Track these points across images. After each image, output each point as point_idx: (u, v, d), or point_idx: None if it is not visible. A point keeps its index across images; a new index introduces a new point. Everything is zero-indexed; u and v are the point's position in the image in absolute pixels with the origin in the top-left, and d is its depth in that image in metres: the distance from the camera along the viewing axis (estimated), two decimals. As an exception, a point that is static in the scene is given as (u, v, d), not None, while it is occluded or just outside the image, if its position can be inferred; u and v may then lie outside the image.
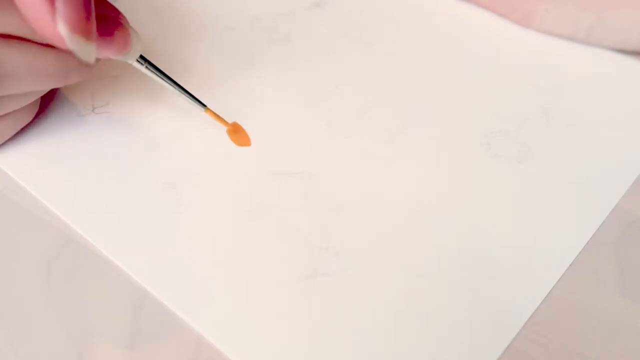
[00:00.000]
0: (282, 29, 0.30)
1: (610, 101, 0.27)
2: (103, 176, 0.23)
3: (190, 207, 0.22)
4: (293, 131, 0.25)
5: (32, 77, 0.20)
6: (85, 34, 0.19)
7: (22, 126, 0.24)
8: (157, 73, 0.23)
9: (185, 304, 0.20)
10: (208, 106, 0.24)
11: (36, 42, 0.20)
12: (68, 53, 0.20)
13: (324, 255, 0.21)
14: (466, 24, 0.31)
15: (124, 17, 0.22)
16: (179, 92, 0.24)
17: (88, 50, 0.19)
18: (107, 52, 0.21)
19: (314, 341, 0.19)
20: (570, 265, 0.21)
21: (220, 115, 0.24)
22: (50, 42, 0.19)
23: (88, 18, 0.19)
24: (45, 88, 0.22)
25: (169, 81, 0.23)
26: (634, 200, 0.23)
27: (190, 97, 0.24)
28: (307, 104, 0.26)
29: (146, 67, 0.23)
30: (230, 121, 0.25)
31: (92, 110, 0.25)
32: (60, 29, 0.18)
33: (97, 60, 0.22)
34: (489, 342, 0.19)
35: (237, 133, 0.25)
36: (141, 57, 0.22)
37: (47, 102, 0.25)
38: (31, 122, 0.24)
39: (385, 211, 0.22)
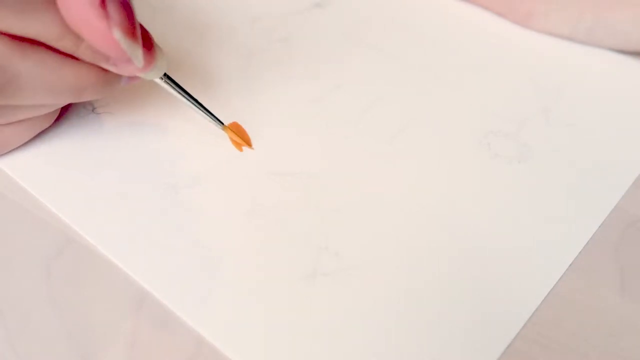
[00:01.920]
0: (282, 29, 0.30)
1: (610, 101, 0.27)
2: (103, 176, 0.23)
3: (190, 207, 0.22)
4: (293, 131, 0.25)
5: (46, 90, 0.20)
6: (135, 37, 0.19)
7: (38, 132, 0.23)
8: (179, 90, 0.23)
9: (185, 304, 0.20)
10: (226, 124, 0.24)
11: (55, 51, 0.20)
12: (87, 68, 0.20)
13: (324, 255, 0.21)
14: (466, 24, 0.31)
15: (148, 32, 0.21)
16: (199, 109, 0.23)
17: (138, 53, 0.19)
18: (131, 69, 0.20)
19: (313, 341, 0.19)
20: (570, 265, 0.21)
21: (227, 123, 0.24)
22: (99, 48, 0.19)
23: (135, 23, 0.19)
24: (58, 103, 0.22)
25: (189, 98, 0.23)
26: (634, 200, 0.23)
27: (210, 115, 0.24)
28: (307, 104, 0.26)
29: (165, 81, 0.22)
30: (230, 121, 0.25)
31: (92, 111, 0.25)
32: (115, 34, 0.18)
33: (113, 77, 0.21)
34: (489, 342, 0.19)
35: (238, 134, 0.24)
36: (164, 74, 0.22)
37: (67, 107, 0.25)
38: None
39: (385, 211, 0.22)
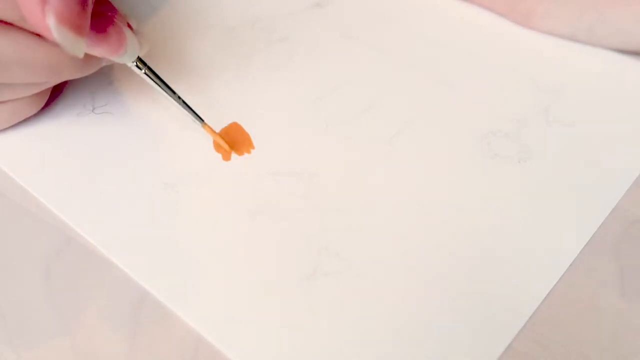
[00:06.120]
0: (282, 29, 0.30)
1: (610, 101, 0.27)
2: (103, 176, 0.23)
3: (190, 207, 0.22)
4: (293, 131, 0.25)
5: (20, 67, 0.20)
6: (74, 28, 0.18)
7: (23, 117, 0.23)
8: (156, 80, 0.22)
9: (185, 304, 0.20)
10: (206, 121, 0.23)
11: (27, 31, 0.19)
12: (57, 46, 0.19)
13: (324, 255, 0.21)
14: (466, 24, 0.31)
15: (121, 16, 0.21)
16: (178, 103, 0.23)
17: (76, 44, 0.18)
18: (100, 51, 0.20)
19: (313, 341, 0.19)
20: (570, 265, 0.21)
21: (219, 131, 0.24)
22: (38, 32, 0.18)
23: (81, 12, 0.18)
24: (37, 81, 0.21)
25: (169, 91, 0.22)
26: (634, 200, 0.23)
27: (189, 111, 0.23)
28: (307, 104, 0.26)
29: (145, 72, 0.22)
30: (230, 122, 0.25)
31: (92, 110, 0.25)
32: (48, 19, 0.17)
33: (93, 58, 0.21)
34: (489, 342, 0.19)
35: (239, 140, 0.24)
36: (140, 60, 0.22)
37: (53, 98, 0.25)
38: (34, 116, 0.24)
39: (385, 211, 0.22)
